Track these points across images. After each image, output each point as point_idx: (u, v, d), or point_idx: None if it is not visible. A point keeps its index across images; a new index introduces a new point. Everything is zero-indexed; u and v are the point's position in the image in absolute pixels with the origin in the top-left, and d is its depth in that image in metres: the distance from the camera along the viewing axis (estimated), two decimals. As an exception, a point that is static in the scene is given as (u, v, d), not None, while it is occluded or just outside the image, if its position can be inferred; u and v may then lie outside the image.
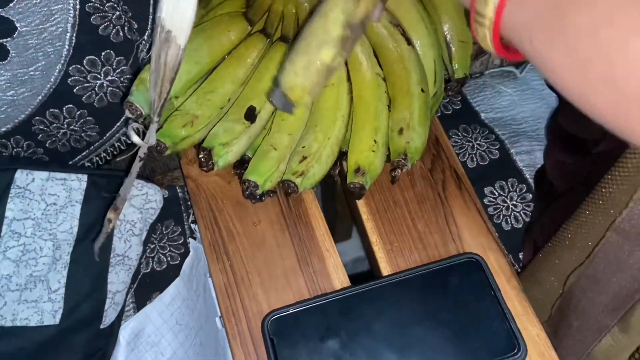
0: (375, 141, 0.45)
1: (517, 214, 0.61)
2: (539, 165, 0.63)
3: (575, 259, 0.45)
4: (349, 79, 0.48)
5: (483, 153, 0.64)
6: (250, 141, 0.47)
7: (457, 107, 0.67)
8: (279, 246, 0.44)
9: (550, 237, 0.48)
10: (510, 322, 0.41)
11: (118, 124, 0.53)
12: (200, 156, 0.45)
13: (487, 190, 0.62)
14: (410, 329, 0.40)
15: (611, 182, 0.40)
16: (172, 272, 0.52)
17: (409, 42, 0.47)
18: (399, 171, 0.45)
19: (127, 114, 0.44)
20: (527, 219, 0.61)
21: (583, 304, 0.46)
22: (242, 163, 0.48)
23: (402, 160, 0.45)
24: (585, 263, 0.44)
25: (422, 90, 0.47)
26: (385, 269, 0.44)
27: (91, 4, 0.45)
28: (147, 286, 0.52)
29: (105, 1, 0.45)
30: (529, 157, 0.64)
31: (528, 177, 0.63)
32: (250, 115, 0.46)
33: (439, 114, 0.62)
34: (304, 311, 0.40)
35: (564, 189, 0.53)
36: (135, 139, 0.41)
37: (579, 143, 0.51)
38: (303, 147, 0.45)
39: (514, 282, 0.43)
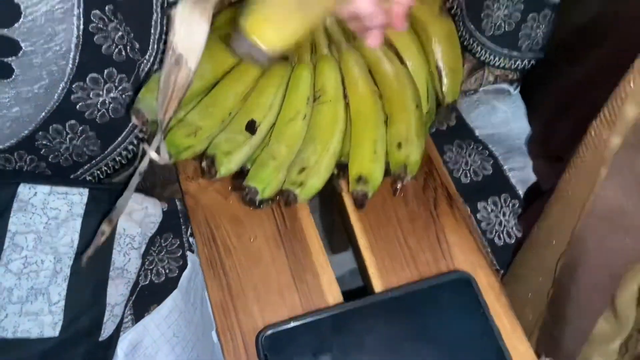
0: (374, 152, 0.47)
1: (510, 230, 0.62)
2: (531, 182, 0.64)
3: (555, 251, 0.46)
4: (345, 96, 0.49)
5: (477, 169, 0.65)
6: (250, 152, 0.48)
7: (452, 123, 0.68)
8: (274, 262, 0.45)
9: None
10: (499, 340, 0.42)
11: (119, 138, 0.55)
12: (203, 164, 0.46)
13: (480, 205, 0.63)
14: (402, 345, 0.41)
15: (570, 177, 0.42)
16: (170, 285, 0.53)
17: (402, 61, 0.48)
18: (400, 183, 0.47)
19: (134, 120, 0.46)
20: (520, 235, 0.62)
21: (573, 291, 0.47)
22: (241, 174, 0.49)
23: (403, 173, 0.46)
24: (566, 250, 0.45)
25: (417, 106, 0.49)
26: (378, 286, 0.45)
27: (94, 24, 0.46)
28: (145, 298, 0.53)
29: (108, 22, 0.47)
30: (522, 173, 0.65)
31: (521, 193, 0.64)
32: (251, 127, 0.48)
33: (434, 130, 0.63)
34: (298, 327, 0.41)
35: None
36: (154, 155, 0.43)
37: (551, 152, 0.53)
38: (302, 158, 0.47)
39: (503, 300, 0.44)
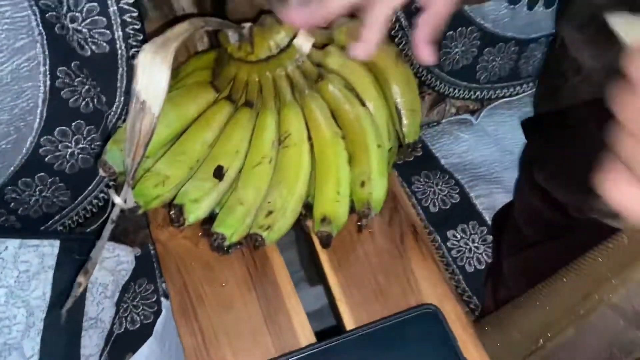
0: (338, 192, 0.48)
1: (479, 256, 0.64)
2: (497, 208, 0.67)
3: (546, 320, 0.46)
4: (309, 139, 0.51)
5: (444, 198, 0.67)
6: (218, 198, 0.49)
7: (418, 154, 0.70)
8: (246, 306, 0.46)
9: (519, 288, 0.50)
10: (467, 371, 0.43)
11: (89, 188, 0.55)
12: (172, 213, 0.47)
13: (449, 233, 0.65)
14: (373, 382, 0.42)
15: (596, 258, 0.41)
16: (146, 332, 0.54)
17: (363, 103, 0.50)
18: (365, 220, 0.48)
19: (101, 172, 0.47)
20: (489, 260, 0.64)
21: None
22: (210, 219, 0.50)
23: (367, 210, 0.48)
24: (569, 329, 0.44)
25: (379, 146, 0.50)
26: (349, 323, 0.46)
27: (61, 79, 0.47)
28: (120, 347, 0.53)
29: (74, 77, 0.48)
30: (488, 200, 0.67)
31: (488, 219, 0.66)
32: (219, 173, 0.49)
33: (401, 162, 0.65)
34: (270, 371, 0.42)
35: (535, 239, 0.55)
36: (118, 200, 0.44)
37: (555, 202, 0.51)
38: (268, 202, 0.48)
39: (470, 330, 0.45)
